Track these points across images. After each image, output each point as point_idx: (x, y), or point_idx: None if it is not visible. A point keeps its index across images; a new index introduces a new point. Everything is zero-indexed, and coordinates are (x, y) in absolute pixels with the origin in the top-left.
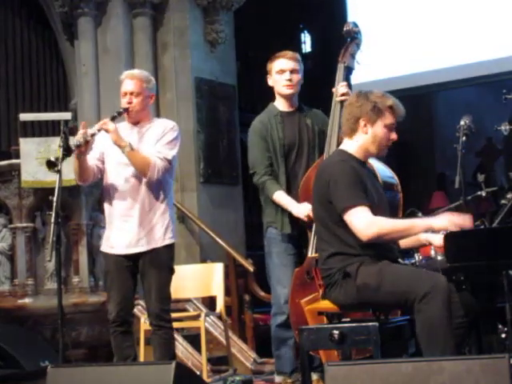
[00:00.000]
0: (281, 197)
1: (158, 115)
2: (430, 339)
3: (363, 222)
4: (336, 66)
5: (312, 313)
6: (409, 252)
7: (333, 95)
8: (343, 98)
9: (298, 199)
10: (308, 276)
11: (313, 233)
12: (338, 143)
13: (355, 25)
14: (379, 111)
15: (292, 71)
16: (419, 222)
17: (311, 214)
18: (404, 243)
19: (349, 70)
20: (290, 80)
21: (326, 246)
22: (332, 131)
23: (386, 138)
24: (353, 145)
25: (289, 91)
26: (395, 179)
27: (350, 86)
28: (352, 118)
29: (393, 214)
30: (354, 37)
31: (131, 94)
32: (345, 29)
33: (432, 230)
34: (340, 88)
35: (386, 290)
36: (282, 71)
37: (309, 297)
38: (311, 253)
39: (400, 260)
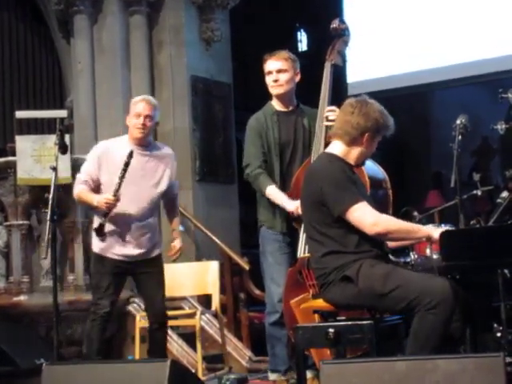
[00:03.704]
0: (273, 192)
1: None
2: (421, 345)
3: (371, 217)
4: None
5: (303, 313)
6: (404, 251)
7: (320, 94)
8: (330, 123)
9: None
10: (300, 276)
11: (301, 233)
12: (326, 144)
13: (342, 22)
14: (382, 130)
15: (279, 71)
16: (422, 228)
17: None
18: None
19: (336, 68)
20: (275, 81)
21: (319, 247)
22: (320, 131)
23: (372, 151)
24: (345, 151)
25: (275, 91)
26: (384, 176)
27: (339, 83)
28: (360, 129)
29: (382, 210)
30: (340, 34)
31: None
32: (331, 26)
33: (431, 239)
34: (330, 114)
35: (394, 296)
36: (270, 72)
37: (298, 298)
38: (300, 253)
39: (390, 256)
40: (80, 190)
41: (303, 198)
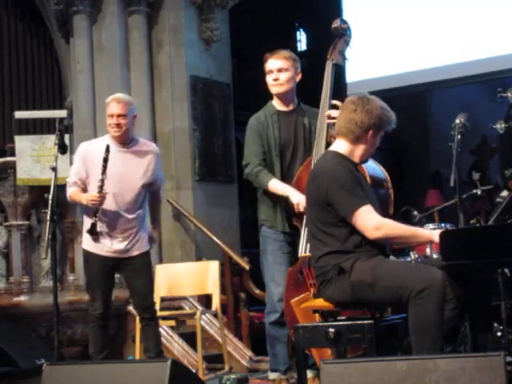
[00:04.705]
0: (277, 184)
1: (153, 113)
2: (421, 334)
3: (373, 222)
4: None
5: (304, 312)
6: (404, 250)
7: (321, 94)
8: (332, 121)
9: None
10: (301, 275)
11: (302, 231)
12: (327, 143)
13: (343, 21)
14: (385, 126)
15: (279, 70)
16: (422, 233)
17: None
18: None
19: (337, 67)
20: (276, 79)
21: (321, 246)
22: (321, 129)
23: (376, 147)
24: (349, 149)
25: (275, 90)
26: (385, 175)
27: (340, 83)
28: (364, 127)
29: (383, 210)
30: (341, 33)
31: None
32: (332, 26)
33: (432, 243)
34: (332, 112)
35: (382, 285)
36: (270, 71)
37: (298, 297)
38: (301, 252)
39: (392, 257)
40: (71, 192)
41: (308, 197)
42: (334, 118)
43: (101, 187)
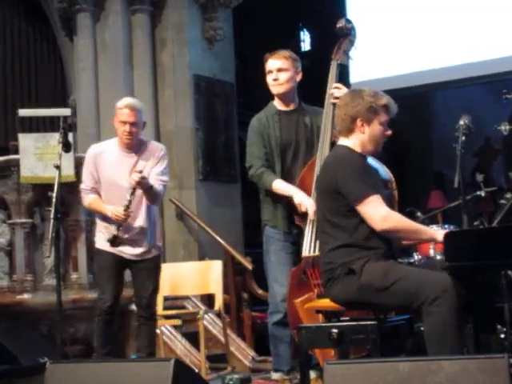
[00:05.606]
0: (281, 185)
1: (156, 112)
2: (439, 342)
3: (381, 212)
4: None
5: (307, 312)
6: (408, 251)
7: (326, 94)
8: (337, 101)
9: None
10: (305, 275)
11: (306, 231)
12: (332, 142)
13: (348, 21)
14: (375, 111)
15: (279, 70)
16: (426, 230)
17: (313, 207)
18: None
19: (342, 67)
20: (275, 79)
21: (330, 239)
22: (325, 129)
23: (381, 135)
24: (351, 143)
25: (275, 90)
26: (390, 176)
27: (344, 83)
28: (348, 118)
29: None
30: (346, 33)
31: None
32: (337, 25)
33: (435, 241)
34: (335, 91)
35: (392, 291)
36: (270, 71)
37: (303, 297)
38: (305, 252)
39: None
40: (91, 200)
41: (319, 188)
42: (337, 98)
43: (127, 206)
